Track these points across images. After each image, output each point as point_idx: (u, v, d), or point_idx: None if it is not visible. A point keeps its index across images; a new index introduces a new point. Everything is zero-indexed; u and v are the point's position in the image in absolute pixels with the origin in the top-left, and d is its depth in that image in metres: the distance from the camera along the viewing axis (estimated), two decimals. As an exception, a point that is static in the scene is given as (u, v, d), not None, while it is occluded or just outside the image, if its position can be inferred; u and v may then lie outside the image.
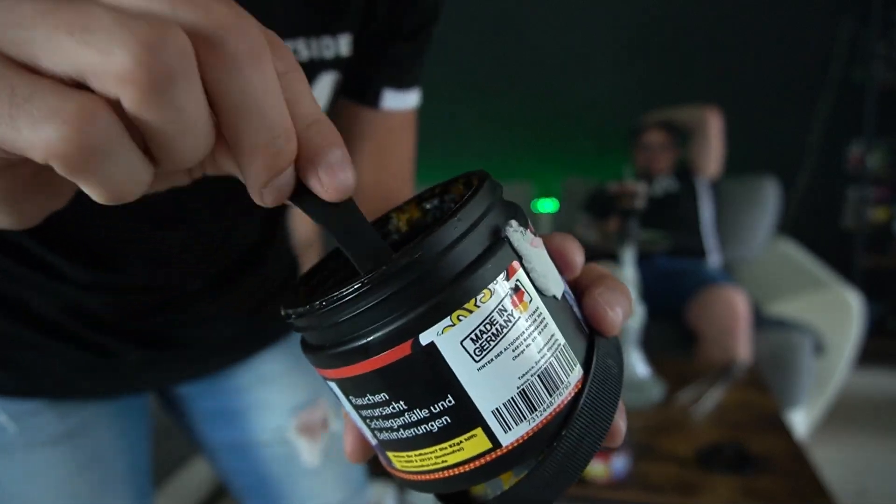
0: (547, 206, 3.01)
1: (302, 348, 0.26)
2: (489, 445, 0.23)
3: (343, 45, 0.48)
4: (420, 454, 0.25)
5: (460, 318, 0.22)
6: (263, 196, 0.21)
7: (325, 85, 0.49)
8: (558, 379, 0.24)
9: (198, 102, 0.18)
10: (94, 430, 0.61)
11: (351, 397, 0.25)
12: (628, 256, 1.50)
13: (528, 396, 0.23)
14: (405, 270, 0.22)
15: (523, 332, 0.23)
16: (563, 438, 0.24)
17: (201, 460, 1.77)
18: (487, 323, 0.22)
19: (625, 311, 0.27)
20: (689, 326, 2.04)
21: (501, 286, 0.23)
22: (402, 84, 0.55)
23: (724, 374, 1.59)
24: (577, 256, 0.27)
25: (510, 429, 0.23)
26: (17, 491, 0.58)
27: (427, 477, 0.25)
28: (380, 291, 0.22)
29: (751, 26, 2.77)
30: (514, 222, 0.24)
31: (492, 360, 0.23)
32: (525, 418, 0.23)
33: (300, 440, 0.69)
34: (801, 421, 2.01)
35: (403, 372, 0.23)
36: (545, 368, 0.24)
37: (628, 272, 1.49)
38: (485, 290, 0.22)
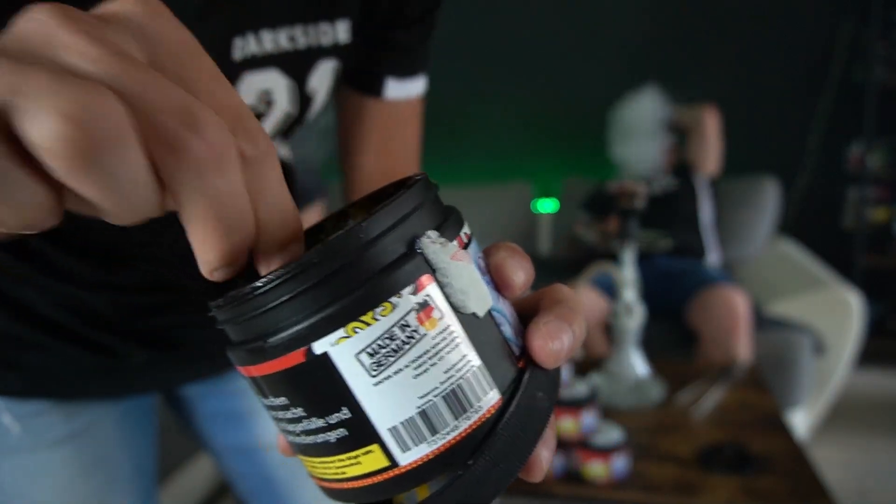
0: (547, 206, 3.01)
1: (226, 346, 0.25)
2: (386, 463, 0.23)
3: (341, 31, 0.47)
4: (322, 462, 0.24)
5: (356, 330, 0.21)
6: (212, 276, 0.21)
7: (325, 73, 0.49)
8: (467, 402, 0.23)
9: (133, 174, 0.17)
10: (100, 432, 0.61)
11: (259, 396, 0.24)
12: (628, 256, 1.50)
13: (428, 418, 0.22)
14: (303, 274, 0.21)
15: (428, 350, 0.22)
16: (471, 467, 0.22)
17: (202, 460, 1.77)
18: (387, 338, 0.21)
19: (567, 347, 0.25)
20: (689, 326, 2.04)
21: (406, 300, 0.21)
22: (405, 72, 0.55)
23: (724, 374, 1.59)
24: (517, 275, 0.25)
25: (408, 449, 0.22)
26: (21, 492, 0.58)
27: (331, 486, 0.25)
28: (277, 294, 0.21)
29: (751, 26, 2.77)
30: (433, 233, 0.23)
31: (389, 376, 0.21)
32: (425, 440, 0.22)
33: None
34: (801, 421, 2.01)
35: (299, 379, 0.22)
36: (452, 390, 0.22)
37: (628, 272, 1.49)
38: (385, 304, 0.21)
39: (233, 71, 0.43)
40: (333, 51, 0.48)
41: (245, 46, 0.43)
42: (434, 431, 0.22)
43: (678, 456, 1.24)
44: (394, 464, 0.23)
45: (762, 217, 2.50)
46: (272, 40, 0.44)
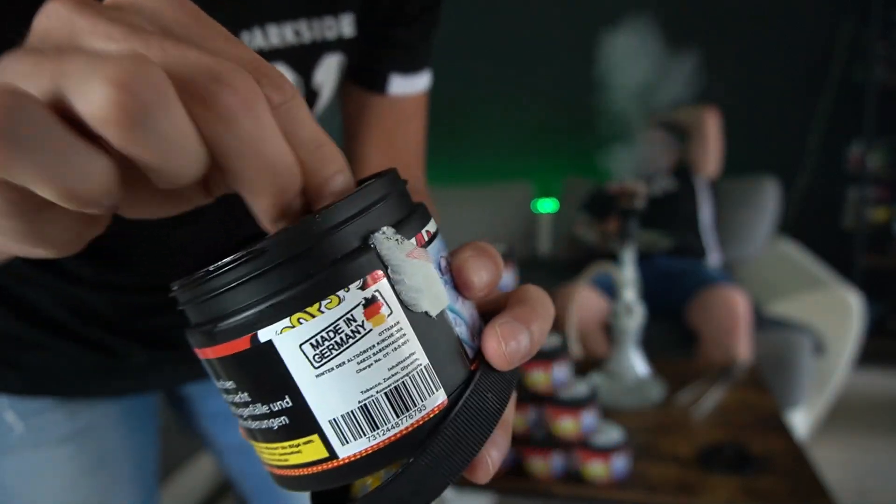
0: (547, 206, 3.01)
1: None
2: (325, 454, 0.23)
3: (345, 25, 0.48)
4: (267, 447, 0.24)
5: (301, 320, 0.21)
6: (275, 226, 0.22)
7: (330, 67, 0.49)
8: (410, 401, 0.23)
9: (181, 131, 0.18)
10: (102, 430, 0.61)
11: (213, 377, 0.25)
12: (628, 256, 1.50)
13: (369, 413, 0.22)
14: (253, 261, 0.21)
15: (373, 346, 0.22)
16: (411, 465, 0.23)
17: (202, 460, 1.77)
18: (331, 330, 0.21)
19: (524, 348, 0.24)
20: (689, 326, 2.04)
21: (353, 294, 0.21)
22: (409, 69, 0.55)
23: (724, 374, 1.59)
24: (477, 275, 0.25)
25: (347, 442, 0.23)
26: (24, 490, 0.58)
27: (275, 471, 0.25)
28: (227, 279, 0.21)
29: (751, 26, 2.77)
30: (388, 229, 0.23)
31: (332, 369, 0.22)
32: (364, 434, 0.22)
33: None
34: (801, 421, 2.01)
35: (244, 365, 0.22)
36: (395, 387, 0.22)
37: (628, 272, 1.49)
38: (332, 297, 0.21)
39: None
40: (338, 45, 0.48)
41: (252, 40, 0.43)
42: (374, 427, 0.22)
43: (678, 456, 1.24)
44: (333, 455, 0.23)
45: (762, 217, 2.50)
46: (278, 34, 0.44)
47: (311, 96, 0.49)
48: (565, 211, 2.77)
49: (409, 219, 0.24)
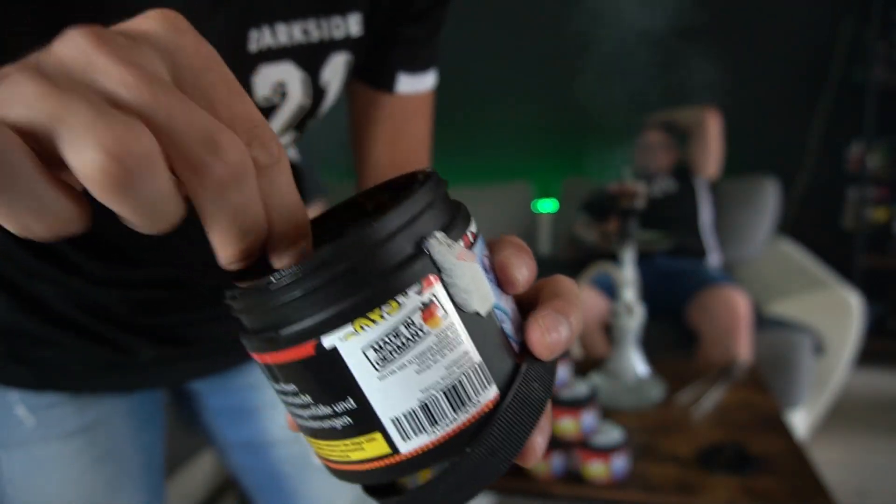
0: (547, 206, 3.01)
1: (239, 331, 0.26)
2: (388, 450, 0.24)
3: (353, 24, 0.48)
4: (328, 444, 0.25)
5: (364, 327, 0.22)
6: (229, 268, 0.23)
7: (337, 66, 0.49)
8: (466, 397, 0.24)
9: (162, 197, 0.19)
10: (111, 426, 0.62)
11: (270, 380, 0.25)
12: (628, 256, 1.50)
13: (429, 410, 0.23)
14: (316, 272, 0.22)
15: (431, 347, 0.23)
16: (468, 455, 0.24)
17: (204, 458, 1.77)
18: (392, 335, 0.22)
19: (564, 339, 0.26)
20: (689, 326, 2.04)
21: (412, 299, 0.22)
22: (416, 67, 0.55)
23: (724, 374, 1.59)
24: (520, 272, 0.26)
25: (409, 438, 0.24)
26: (33, 483, 0.59)
27: (335, 466, 0.26)
28: (292, 289, 0.22)
29: (751, 26, 2.77)
30: (439, 234, 0.24)
31: (394, 371, 0.23)
32: (425, 430, 0.24)
33: None
34: (801, 421, 2.01)
35: (308, 369, 0.23)
36: (452, 385, 0.23)
37: (628, 272, 1.49)
38: (392, 302, 0.22)
39: (249, 63, 0.44)
40: (346, 44, 0.48)
41: (261, 39, 0.44)
42: (434, 423, 0.24)
43: (678, 456, 1.24)
44: (395, 451, 0.24)
45: (762, 217, 2.50)
46: (286, 33, 0.45)
47: (317, 95, 0.49)
48: (565, 211, 2.77)
49: (455, 221, 0.25)
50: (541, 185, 2.99)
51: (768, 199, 2.51)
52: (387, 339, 0.22)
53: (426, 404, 0.23)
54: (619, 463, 1.16)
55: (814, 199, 2.83)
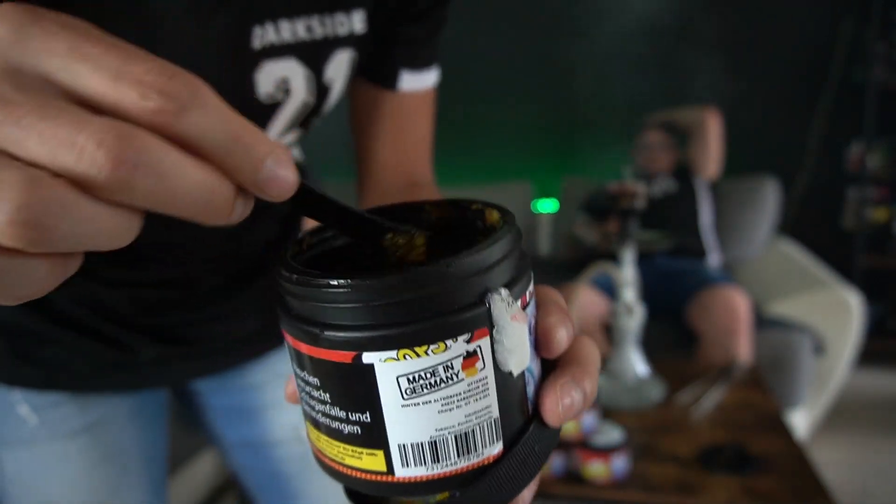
0: (547, 206, 3.01)
1: (278, 303, 0.26)
2: (384, 469, 0.25)
3: (357, 21, 0.48)
4: (328, 440, 0.26)
5: (406, 356, 0.23)
6: (229, 224, 0.21)
7: (341, 62, 0.49)
8: (473, 446, 0.25)
9: (87, 221, 0.18)
10: (114, 425, 0.63)
11: (295, 365, 0.26)
12: (628, 256, 1.50)
13: (436, 448, 0.24)
14: (379, 290, 0.22)
15: (459, 394, 0.24)
16: (455, 499, 0.25)
17: (204, 458, 1.77)
18: (429, 372, 0.23)
19: (577, 408, 0.26)
20: (689, 326, 2.04)
21: (459, 345, 0.23)
22: (418, 65, 0.56)
23: (724, 374, 1.59)
24: (560, 341, 0.26)
25: (407, 466, 0.24)
26: (37, 482, 0.59)
27: (324, 459, 0.27)
28: (349, 297, 0.22)
29: (751, 26, 2.77)
30: (504, 291, 0.24)
31: (418, 403, 0.23)
32: (425, 464, 0.24)
33: None
34: (801, 421, 2.01)
35: (339, 373, 0.24)
36: (465, 432, 0.24)
37: (628, 272, 1.49)
38: (440, 343, 0.23)
39: (252, 59, 0.44)
40: (349, 41, 0.48)
41: (264, 35, 0.44)
42: (436, 461, 0.24)
43: (678, 456, 1.24)
44: (390, 472, 0.25)
45: (762, 217, 2.50)
46: (290, 30, 0.45)
47: (321, 92, 0.49)
48: (565, 211, 2.77)
49: (519, 279, 0.25)
50: (541, 185, 2.99)
51: (768, 199, 2.51)
52: (423, 374, 0.23)
53: (435, 442, 0.24)
54: (619, 463, 1.16)
55: (814, 199, 2.83)
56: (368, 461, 0.25)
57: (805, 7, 2.71)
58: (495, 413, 0.24)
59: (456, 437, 0.24)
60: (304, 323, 0.24)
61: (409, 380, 0.23)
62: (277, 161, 0.20)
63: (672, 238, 1.64)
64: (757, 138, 2.79)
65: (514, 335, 0.24)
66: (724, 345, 1.86)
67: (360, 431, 0.24)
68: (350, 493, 0.29)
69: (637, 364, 1.52)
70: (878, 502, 1.87)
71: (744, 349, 1.85)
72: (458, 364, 0.23)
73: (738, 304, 1.90)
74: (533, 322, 0.26)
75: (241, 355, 0.67)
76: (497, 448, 0.25)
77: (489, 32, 3.01)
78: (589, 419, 1.19)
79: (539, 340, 0.26)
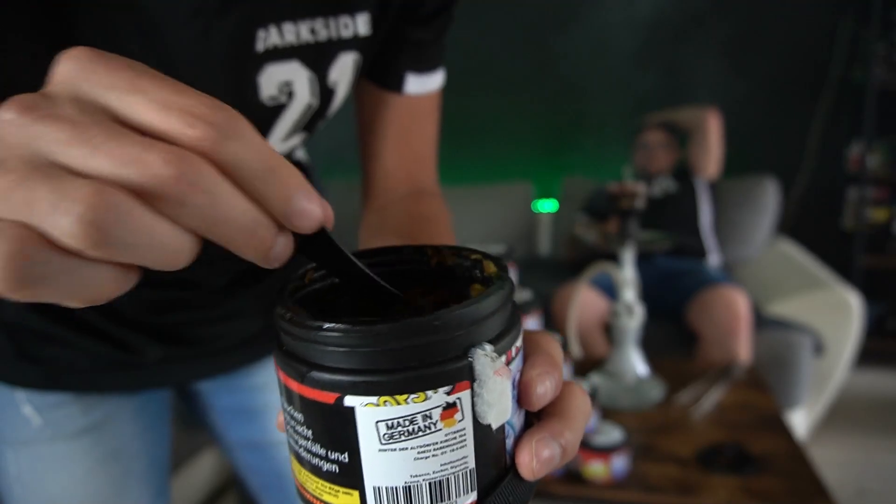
0: (547, 206, 3.01)
1: (275, 336, 0.27)
2: None
3: (361, 24, 0.48)
4: (308, 476, 0.26)
5: (386, 402, 0.23)
6: (271, 265, 0.23)
7: (345, 65, 0.49)
8: (447, 495, 0.25)
9: (150, 232, 0.19)
10: (116, 425, 0.63)
11: (284, 398, 0.27)
12: (628, 256, 1.50)
13: (410, 494, 0.24)
14: (364, 338, 0.23)
15: (436, 443, 0.24)
16: None
17: (204, 457, 1.77)
18: (407, 419, 0.23)
19: (553, 462, 0.27)
20: (689, 326, 2.04)
21: (439, 396, 0.23)
22: (424, 67, 0.55)
23: (724, 374, 1.59)
24: (542, 396, 0.27)
25: None
26: (40, 482, 0.60)
27: (304, 493, 0.27)
28: (336, 341, 0.23)
29: (751, 26, 2.77)
30: (489, 347, 0.24)
31: (395, 449, 0.24)
32: None
33: None
34: (800, 421, 2.02)
35: (321, 412, 0.24)
36: (439, 481, 0.25)
37: (628, 272, 1.49)
38: (420, 393, 0.23)
39: (255, 62, 0.44)
40: (354, 43, 0.48)
41: (268, 38, 0.44)
42: None
43: (678, 456, 1.24)
44: None
45: (762, 217, 2.51)
46: (294, 32, 0.45)
47: (325, 94, 0.49)
48: (565, 211, 2.77)
49: (507, 333, 0.26)
50: (541, 185, 2.99)
51: (768, 199, 2.51)
52: (401, 422, 0.23)
53: (410, 488, 0.24)
54: (619, 463, 1.16)
55: (814, 199, 2.83)
56: (344, 500, 0.25)
57: (805, 7, 2.71)
58: (471, 464, 0.25)
59: (430, 485, 0.24)
60: (293, 360, 0.25)
61: (387, 425, 0.23)
62: (308, 195, 0.22)
63: (672, 238, 1.63)
64: (757, 138, 2.79)
65: (495, 390, 0.24)
66: (724, 345, 1.86)
67: (337, 470, 0.25)
68: None
69: (637, 364, 1.53)
70: (877, 502, 1.87)
71: (743, 349, 1.86)
72: (436, 414, 0.24)
73: (738, 304, 1.90)
74: (518, 376, 0.27)
75: (245, 356, 0.68)
76: (471, 498, 0.25)
77: (489, 32, 3.01)
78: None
79: (521, 393, 0.27)
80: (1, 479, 0.62)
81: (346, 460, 0.24)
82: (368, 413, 0.23)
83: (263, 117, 0.47)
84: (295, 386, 0.25)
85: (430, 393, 0.23)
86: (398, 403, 0.23)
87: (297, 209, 0.22)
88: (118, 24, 0.39)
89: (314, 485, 0.26)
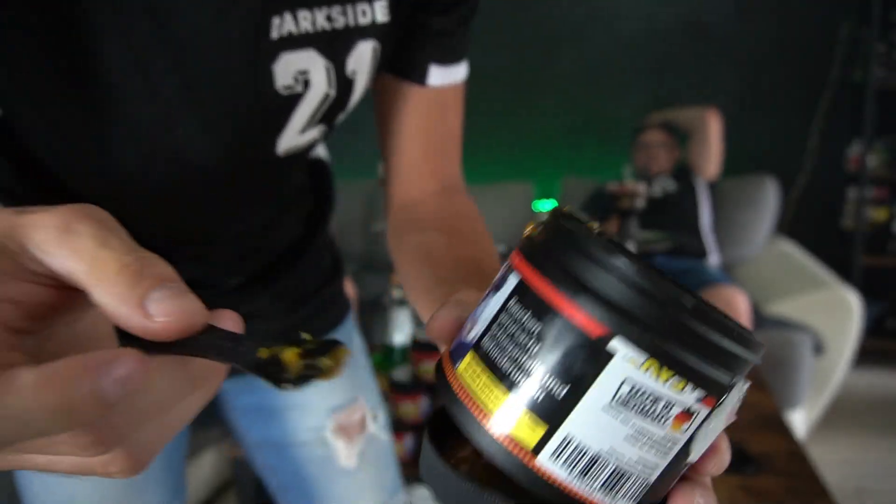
0: (547, 206, 3.01)
1: (541, 244, 0.25)
2: (531, 445, 0.23)
3: (379, 10, 0.46)
4: (489, 382, 0.24)
5: (649, 369, 0.22)
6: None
7: (363, 54, 0.48)
8: (617, 489, 0.23)
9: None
10: None
11: (518, 302, 0.24)
12: (628, 256, 1.50)
13: (592, 463, 0.23)
14: (687, 308, 0.22)
15: (651, 436, 0.23)
16: None
17: (204, 457, 1.77)
18: (649, 398, 0.22)
19: None
20: (688, 326, 2.04)
21: (691, 396, 0.23)
22: (448, 58, 0.54)
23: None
24: (715, 466, 0.26)
25: (556, 462, 0.23)
26: (59, 481, 0.59)
27: (458, 391, 0.25)
28: (652, 290, 0.22)
29: (751, 27, 2.78)
30: (745, 386, 0.25)
31: (613, 416, 0.22)
32: (568, 471, 0.23)
33: (337, 441, 0.69)
34: (800, 420, 2.02)
35: (572, 340, 0.22)
36: (624, 471, 0.23)
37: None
38: (684, 381, 0.22)
39: (270, 50, 0.43)
40: (372, 31, 0.47)
41: (282, 25, 0.43)
42: (582, 476, 0.23)
43: (678, 455, 1.24)
44: (535, 452, 0.23)
45: (762, 217, 2.51)
46: (309, 19, 0.43)
47: (343, 85, 0.48)
48: (565, 211, 2.77)
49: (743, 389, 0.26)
50: (541, 185, 2.99)
51: (768, 199, 2.51)
52: (640, 395, 0.22)
53: (597, 458, 0.23)
54: (619, 462, 1.16)
55: (814, 199, 2.83)
56: (522, 429, 0.23)
57: (805, 7, 2.72)
58: (653, 478, 0.24)
59: (613, 470, 0.23)
60: (573, 272, 0.23)
61: (630, 390, 0.22)
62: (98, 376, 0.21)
63: (672, 238, 1.64)
64: (757, 138, 2.79)
65: (719, 425, 0.24)
66: (724, 344, 1.86)
67: (539, 401, 0.23)
68: (435, 439, 0.27)
69: (637, 364, 1.53)
70: (876, 501, 1.87)
71: (743, 349, 1.85)
72: (673, 411, 0.22)
73: (737, 303, 1.90)
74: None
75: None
76: None
77: (489, 32, 3.01)
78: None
79: (704, 455, 0.26)
80: (20, 476, 0.61)
81: (562, 394, 0.22)
82: (624, 367, 0.22)
83: (279, 107, 0.46)
84: (556, 298, 0.23)
85: (689, 388, 0.22)
86: (657, 377, 0.22)
87: (114, 393, 0.20)
88: (130, 14, 0.39)
89: (490, 394, 0.24)
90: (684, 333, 0.22)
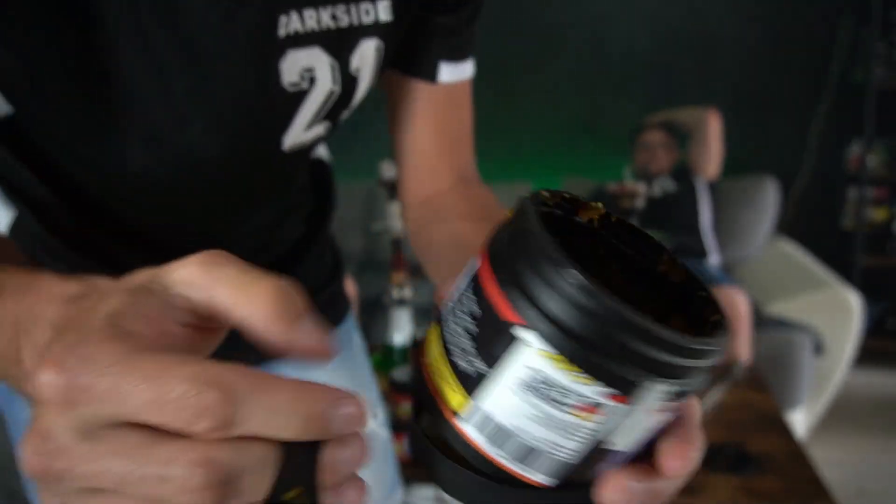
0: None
1: (503, 235, 0.27)
2: (455, 408, 0.26)
3: (382, 9, 0.48)
4: (442, 354, 0.27)
5: (554, 363, 0.23)
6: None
7: (367, 52, 0.49)
8: (529, 461, 0.25)
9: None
10: None
11: (470, 286, 0.27)
12: (628, 256, 1.50)
13: (504, 434, 0.25)
14: (592, 301, 0.23)
15: (557, 420, 0.24)
16: (478, 483, 0.27)
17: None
18: (558, 390, 0.23)
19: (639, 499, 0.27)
20: (688, 326, 2.04)
21: (597, 392, 0.23)
22: (457, 55, 0.55)
23: (724, 374, 1.59)
24: (671, 468, 0.27)
25: (471, 424, 0.26)
26: None
27: (423, 359, 0.28)
28: (565, 289, 0.23)
29: (751, 26, 2.77)
30: (664, 387, 0.24)
31: (526, 400, 0.24)
32: (484, 434, 0.26)
33: None
34: (800, 421, 2.02)
35: (494, 324, 0.24)
36: (532, 447, 0.25)
37: (628, 272, 1.49)
38: (591, 378, 0.23)
39: (277, 48, 0.44)
40: (375, 29, 0.48)
41: (289, 24, 0.44)
42: (495, 443, 0.26)
43: (678, 456, 1.24)
44: (458, 417, 0.26)
45: (762, 217, 2.51)
46: (315, 18, 0.45)
47: (347, 82, 0.49)
48: (565, 211, 2.77)
49: (687, 392, 0.26)
50: (541, 185, 2.99)
51: (768, 198, 2.51)
52: (548, 384, 0.24)
53: (501, 430, 0.25)
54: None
55: (814, 199, 2.83)
56: (449, 392, 0.26)
57: (805, 7, 2.72)
58: (568, 458, 0.25)
59: (521, 443, 0.25)
60: (510, 263, 0.25)
61: (536, 379, 0.24)
62: (336, 402, 0.22)
63: (672, 238, 1.64)
64: (757, 138, 2.79)
65: (636, 423, 0.25)
66: (724, 345, 1.86)
67: (472, 372, 0.25)
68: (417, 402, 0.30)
69: (637, 364, 1.53)
70: (876, 501, 1.87)
71: (744, 349, 1.86)
72: (581, 401, 0.24)
73: (738, 304, 1.90)
74: (663, 426, 0.26)
75: (261, 355, 0.67)
76: (542, 479, 0.26)
77: (490, 32, 3.01)
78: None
79: (653, 450, 0.27)
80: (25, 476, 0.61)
81: (479, 370, 0.25)
82: (531, 356, 0.23)
83: (285, 104, 0.47)
84: (489, 283, 0.25)
85: (595, 383, 0.23)
86: (563, 370, 0.23)
87: (340, 424, 0.22)
88: (138, 13, 0.39)
89: (440, 365, 0.27)
90: (593, 332, 0.23)
